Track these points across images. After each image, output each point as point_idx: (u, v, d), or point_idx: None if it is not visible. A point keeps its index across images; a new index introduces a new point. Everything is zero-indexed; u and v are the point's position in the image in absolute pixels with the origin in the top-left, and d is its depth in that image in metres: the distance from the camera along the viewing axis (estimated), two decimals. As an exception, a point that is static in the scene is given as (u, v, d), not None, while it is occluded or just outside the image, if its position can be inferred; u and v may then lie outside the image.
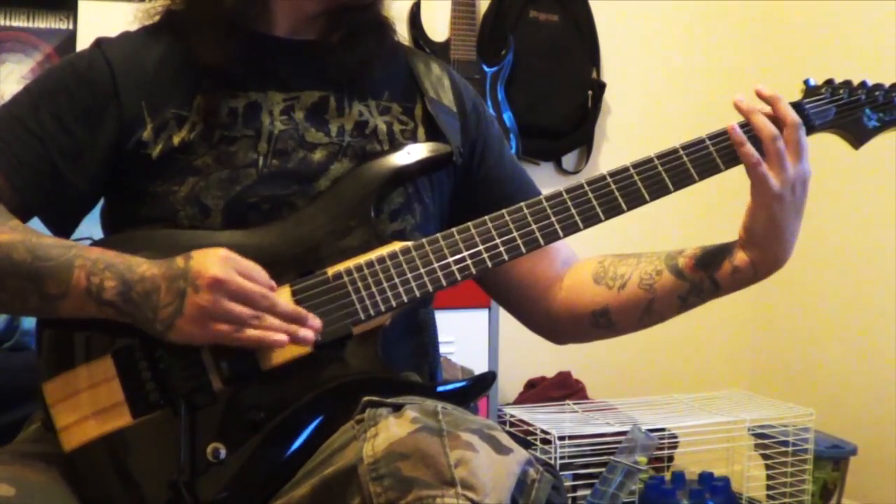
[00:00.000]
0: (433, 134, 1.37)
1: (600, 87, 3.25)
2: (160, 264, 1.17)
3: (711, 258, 1.32)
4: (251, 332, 1.15)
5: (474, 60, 3.03)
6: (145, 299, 1.16)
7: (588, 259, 1.44)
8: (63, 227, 1.34)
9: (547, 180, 3.18)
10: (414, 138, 1.37)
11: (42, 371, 1.22)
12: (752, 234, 1.28)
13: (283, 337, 1.15)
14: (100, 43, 1.34)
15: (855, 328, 3.10)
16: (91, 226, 1.40)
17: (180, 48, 1.32)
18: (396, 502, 1.03)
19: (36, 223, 1.31)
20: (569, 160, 3.29)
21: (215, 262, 1.15)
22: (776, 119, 1.27)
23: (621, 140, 3.32)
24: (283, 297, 1.21)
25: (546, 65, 3.19)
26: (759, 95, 1.29)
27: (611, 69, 3.30)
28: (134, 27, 1.38)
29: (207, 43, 1.30)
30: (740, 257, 1.30)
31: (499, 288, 1.46)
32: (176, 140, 1.29)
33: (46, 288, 1.18)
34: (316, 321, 1.18)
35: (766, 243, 1.28)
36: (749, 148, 1.26)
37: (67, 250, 1.19)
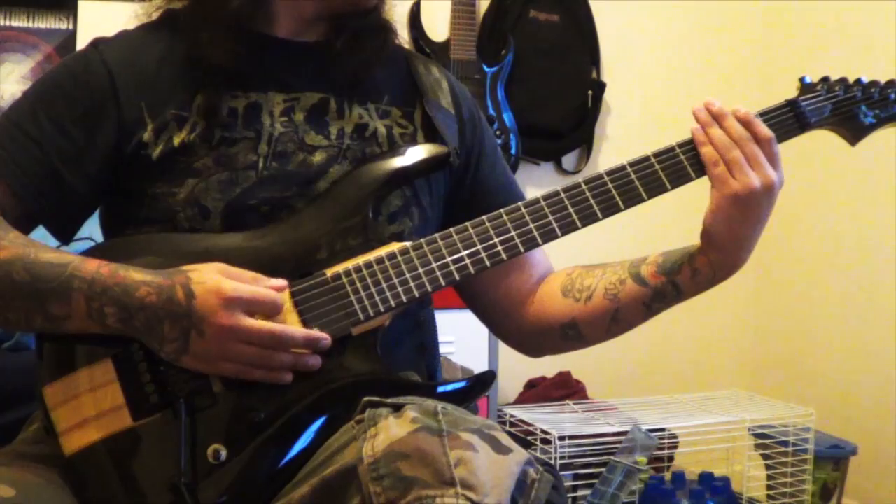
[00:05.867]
0: (432, 138, 1.37)
1: (600, 87, 3.25)
2: (159, 291, 1.16)
3: (672, 264, 1.33)
4: (258, 374, 1.18)
5: (474, 60, 3.03)
6: (149, 329, 1.16)
7: (558, 271, 1.44)
8: (65, 231, 1.34)
9: (547, 180, 3.19)
10: (413, 142, 1.37)
11: (42, 375, 1.22)
12: (712, 236, 1.28)
13: (289, 377, 1.19)
14: (97, 44, 1.33)
15: (855, 328, 3.09)
16: (92, 227, 1.40)
17: (181, 48, 1.32)
18: (396, 502, 1.03)
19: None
20: (569, 160, 3.29)
21: (219, 307, 1.15)
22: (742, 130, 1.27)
23: (621, 140, 3.32)
24: (282, 298, 1.21)
25: (546, 65, 3.19)
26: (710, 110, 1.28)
27: (611, 69, 3.30)
28: (132, 26, 1.38)
29: (213, 43, 1.29)
30: (700, 260, 1.30)
31: (477, 300, 1.46)
32: (176, 141, 1.29)
33: (50, 309, 1.18)
34: (326, 338, 1.20)
35: (725, 246, 1.28)
36: (710, 149, 1.27)
37: (64, 269, 1.18)
